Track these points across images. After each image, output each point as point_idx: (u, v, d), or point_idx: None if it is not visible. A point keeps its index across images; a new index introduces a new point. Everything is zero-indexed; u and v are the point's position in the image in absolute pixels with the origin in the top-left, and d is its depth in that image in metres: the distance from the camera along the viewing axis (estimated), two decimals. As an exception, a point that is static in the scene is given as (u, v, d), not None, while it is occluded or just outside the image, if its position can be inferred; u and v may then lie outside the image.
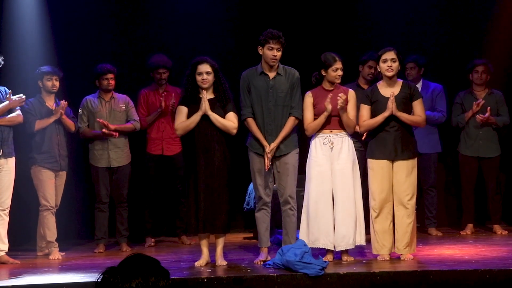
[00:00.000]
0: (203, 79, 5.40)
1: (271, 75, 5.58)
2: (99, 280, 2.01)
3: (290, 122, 5.53)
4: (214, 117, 5.40)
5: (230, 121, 5.44)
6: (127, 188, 6.73)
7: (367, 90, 5.77)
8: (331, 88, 5.51)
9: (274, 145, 5.48)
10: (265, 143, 5.51)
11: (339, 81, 5.51)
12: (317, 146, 5.50)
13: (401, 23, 7.68)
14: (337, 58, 5.49)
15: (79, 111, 6.66)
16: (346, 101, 5.44)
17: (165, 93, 6.95)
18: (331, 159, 5.47)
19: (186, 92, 5.49)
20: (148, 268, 2.00)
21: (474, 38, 7.69)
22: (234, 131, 5.49)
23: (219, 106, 5.46)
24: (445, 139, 7.21)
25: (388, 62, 5.42)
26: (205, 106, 5.38)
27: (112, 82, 6.64)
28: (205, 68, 5.41)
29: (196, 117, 5.39)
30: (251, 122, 5.57)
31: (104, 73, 6.61)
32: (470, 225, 7.06)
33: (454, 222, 7.54)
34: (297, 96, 5.57)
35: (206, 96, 5.39)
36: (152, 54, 7.03)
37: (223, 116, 5.44)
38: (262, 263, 5.40)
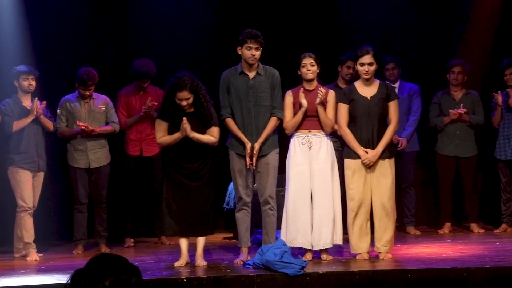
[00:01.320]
0: (183, 106, 5.33)
1: (251, 74, 5.58)
2: (68, 283, 2.00)
3: (272, 122, 5.55)
4: (195, 137, 5.37)
5: (210, 137, 5.42)
6: (106, 188, 6.69)
7: (345, 89, 5.81)
8: (311, 88, 5.53)
9: (257, 145, 5.49)
10: (246, 140, 5.51)
11: (310, 77, 5.51)
12: (296, 146, 5.52)
13: (379, 23, 7.73)
14: (306, 55, 5.53)
15: (58, 111, 6.60)
16: (325, 96, 5.47)
17: (145, 94, 6.90)
18: (310, 159, 5.49)
19: (165, 108, 5.43)
20: (117, 266, 1.99)
21: (451, 39, 7.75)
22: (215, 144, 5.48)
23: (199, 123, 5.39)
24: (422, 138, 7.28)
25: (365, 67, 5.47)
26: (186, 131, 5.33)
27: (89, 92, 6.55)
28: (184, 95, 5.30)
29: (178, 138, 5.38)
30: (230, 122, 5.58)
31: (84, 85, 6.47)
32: (448, 224, 7.13)
33: (432, 221, 7.61)
34: (278, 97, 5.58)
35: (187, 123, 5.31)
36: (137, 59, 6.89)
37: (203, 130, 5.40)
38: (242, 263, 5.41)
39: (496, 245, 6.03)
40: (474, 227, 7.07)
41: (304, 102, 5.44)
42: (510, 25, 7.60)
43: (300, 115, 5.47)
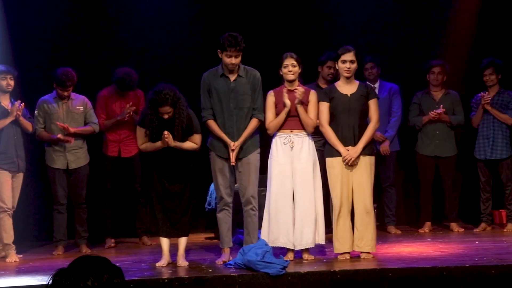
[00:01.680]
0: (164, 117, 5.34)
1: (232, 77, 5.56)
2: (49, 283, 1.98)
3: (253, 123, 5.55)
4: (177, 146, 5.39)
5: (192, 144, 5.45)
6: (85, 189, 6.65)
7: (325, 88, 5.84)
8: (293, 88, 5.54)
9: (238, 143, 5.50)
10: (228, 140, 5.51)
11: (291, 77, 5.52)
12: (277, 146, 5.53)
13: (360, 23, 7.76)
14: (288, 55, 5.54)
15: (35, 112, 6.53)
16: (306, 96, 5.50)
17: (125, 97, 6.85)
18: (292, 159, 5.51)
19: (145, 118, 5.40)
20: (99, 266, 1.98)
21: (430, 39, 7.81)
22: (197, 150, 5.51)
23: (179, 130, 5.38)
24: (402, 138, 7.32)
25: (347, 64, 5.49)
26: (168, 143, 5.33)
27: (67, 93, 6.49)
28: (165, 110, 5.30)
29: (159, 147, 5.39)
30: (211, 123, 5.57)
31: (62, 86, 6.42)
32: (428, 223, 7.18)
33: (412, 220, 7.66)
34: (259, 98, 5.59)
35: (169, 137, 5.31)
36: (120, 67, 6.81)
37: (183, 137, 5.41)
38: (223, 263, 5.41)
39: (475, 244, 6.09)
40: (454, 226, 7.13)
41: (287, 102, 5.44)
42: (489, 25, 7.67)
43: (283, 115, 5.48)
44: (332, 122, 5.54)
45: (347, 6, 7.73)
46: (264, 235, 5.50)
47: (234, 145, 5.49)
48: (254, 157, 5.59)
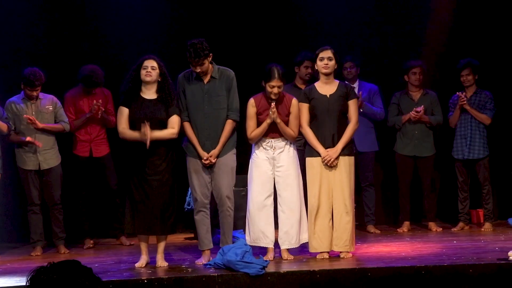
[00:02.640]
0: (147, 72, 5.38)
1: (206, 79, 5.52)
2: (30, 279, 1.97)
3: (228, 126, 5.51)
4: (156, 137, 5.34)
5: (170, 130, 5.39)
6: (59, 189, 6.56)
7: (305, 89, 5.84)
8: (274, 98, 5.52)
9: (216, 152, 5.48)
10: (201, 152, 5.48)
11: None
12: (259, 147, 5.55)
13: (337, 23, 7.79)
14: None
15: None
16: (285, 106, 5.53)
17: (93, 95, 6.79)
18: (273, 161, 5.52)
19: (127, 90, 5.43)
20: (70, 269, 1.97)
21: (407, 39, 7.86)
22: (174, 136, 5.45)
23: (161, 107, 5.40)
24: (381, 138, 7.36)
25: (325, 60, 5.51)
26: (147, 137, 5.29)
27: (36, 93, 6.42)
28: (150, 63, 5.40)
29: (137, 139, 5.35)
30: (187, 126, 5.54)
31: (30, 86, 6.34)
32: (407, 223, 7.23)
33: (391, 220, 7.70)
34: (234, 98, 5.54)
35: (148, 130, 5.28)
36: (85, 65, 6.74)
37: (166, 117, 5.40)
38: (201, 264, 5.40)
39: (453, 243, 6.14)
40: (432, 225, 7.19)
41: (271, 117, 5.43)
42: (466, 25, 7.73)
43: (265, 126, 5.48)
44: (312, 122, 5.55)
45: (325, 6, 7.75)
46: (246, 235, 5.50)
47: (213, 158, 5.46)
48: (229, 158, 5.55)
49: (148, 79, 5.39)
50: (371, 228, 7.18)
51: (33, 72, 6.33)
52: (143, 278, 4.84)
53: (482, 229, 7.01)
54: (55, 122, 6.54)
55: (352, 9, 7.83)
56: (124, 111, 5.41)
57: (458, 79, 7.08)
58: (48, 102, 6.54)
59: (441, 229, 7.15)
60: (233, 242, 5.53)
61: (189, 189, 6.93)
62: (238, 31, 7.61)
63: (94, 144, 6.80)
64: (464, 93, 6.98)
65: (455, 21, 7.76)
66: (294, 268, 5.05)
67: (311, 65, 6.56)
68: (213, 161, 5.47)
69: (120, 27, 7.54)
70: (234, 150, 5.61)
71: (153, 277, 4.85)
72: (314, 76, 6.40)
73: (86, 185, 6.86)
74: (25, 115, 6.35)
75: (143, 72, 5.40)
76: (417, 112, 7.01)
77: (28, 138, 6.35)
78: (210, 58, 5.44)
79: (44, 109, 6.49)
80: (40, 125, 6.38)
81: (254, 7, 7.75)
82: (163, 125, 5.40)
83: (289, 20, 7.80)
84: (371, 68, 7.66)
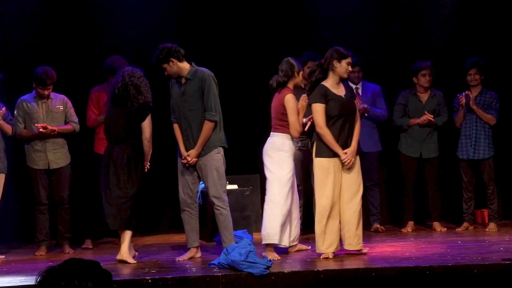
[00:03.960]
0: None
1: (183, 80, 5.63)
2: (38, 280, 1.96)
3: (206, 126, 5.56)
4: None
5: (144, 142, 5.60)
6: (68, 189, 6.58)
7: (319, 90, 5.68)
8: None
9: (193, 152, 5.57)
10: (183, 152, 5.62)
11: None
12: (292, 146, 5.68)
13: (342, 23, 7.79)
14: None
15: (15, 112, 6.46)
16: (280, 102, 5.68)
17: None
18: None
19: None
20: (89, 270, 1.97)
21: (413, 37, 7.85)
22: (148, 142, 5.63)
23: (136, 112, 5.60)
24: (384, 138, 7.35)
25: (350, 66, 5.57)
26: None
27: (48, 92, 6.44)
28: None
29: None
30: (175, 128, 5.70)
31: (42, 85, 6.37)
32: (411, 223, 7.21)
33: (395, 220, 7.69)
34: (209, 98, 5.55)
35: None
36: (109, 56, 6.78)
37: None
38: (182, 261, 5.50)
39: (458, 243, 6.13)
40: (437, 225, 7.17)
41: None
42: (471, 24, 7.72)
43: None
44: (327, 124, 5.47)
45: (331, 5, 7.75)
46: (283, 236, 5.57)
47: (191, 158, 5.56)
48: (211, 158, 5.59)
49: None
50: (377, 227, 7.17)
51: (45, 71, 6.35)
52: (147, 277, 4.85)
53: (487, 229, 7.00)
54: (65, 122, 6.56)
55: (356, 8, 7.81)
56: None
57: (464, 78, 7.06)
58: (59, 102, 6.55)
59: (446, 229, 7.13)
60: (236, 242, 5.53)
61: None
62: (242, 30, 7.61)
63: None
64: (465, 93, 6.94)
65: (460, 20, 7.74)
66: (298, 268, 5.05)
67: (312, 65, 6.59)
68: (190, 160, 5.55)
69: (124, 23, 7.56)
70: (218, 150, 5.63)
71: (157, 277, 4.86)
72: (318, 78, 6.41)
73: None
74: (36, 124, 6.36)
75: None
76: (430, 120, 7.00)
77: (40, 129, 6.31)
78: (172, 63, 5.55)
79: (54, 109, 6.51)
80: (53, 128, 6.38)
81: (258, 6, 7.75)
82: None
83: (293, 19, 7.79)
84: (373, 68, 7.64)
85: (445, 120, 7.18)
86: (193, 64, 5.63)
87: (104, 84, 6.85)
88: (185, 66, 5.59)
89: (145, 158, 5.61)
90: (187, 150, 5.58)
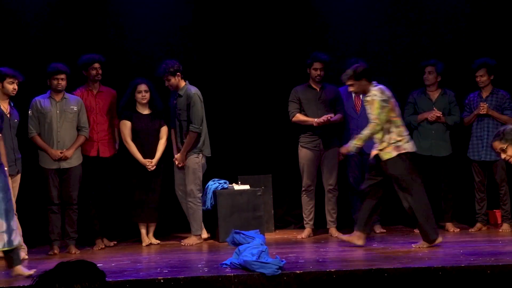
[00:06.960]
0: (142, 96, 6.73)
1: (176, 95, 6.71)
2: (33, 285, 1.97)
3: (189, 136, 6.65)
4: (157, 158, 6.77)
5: (160, 145, 6.79)
6: (77, 190, 6.58)
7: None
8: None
9: (179, 156, 6.71)
10: (175, 155, 6.80)
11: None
12: None
13: (355, 25, 7.77)
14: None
15: (29, 112, 6.48)
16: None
17: (99, 93, 6.83)
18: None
19: (126, 107, 6.78)
20: (80, 272, 1.97)
21: (424, 38, 7.82)
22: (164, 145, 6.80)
23: (154, 120, 6.80)
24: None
25: None
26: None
27: (63, 82, 6.46)
28: (143, 87, 6.74)
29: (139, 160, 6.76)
30: (171, 133, 6.88)
31: (55, 72, 6.43)
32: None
33: (407, 221, 7.65)
34: (193, 112, 6.61)
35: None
36: (82, 54, 6.83)
37: (159, 128, 6.82)
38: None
39: (471, 244, 6.10)
40: (449, 226, 7.14)
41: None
42: (482, 23, 7.68)
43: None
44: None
45: (343, 9, 7.74)
46: None
47: (176, 160, 6.74)
48: (190, 161, 6.68)
49: (144, 102, 6.75)
50: (377, 229, 7.17)
51: (57, 63, 6.47)
52: (159, 277, 4.85)
53: (500, 230, 6.96)
54: (77, 128, 6.58)
55: (369, 9, 7.79)
56: (128, 124, 6.73)
57: (474, 78, 7.03)
58: (74, 102, 6.57)
59: (458, 230, 7.10)
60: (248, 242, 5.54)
61: (205, 188, 7.02)
62: (252, 32, 7.61)
63: (101, 144, 6.78)
64: (483, 104, 6.89)
65: (471, 18, 7.71)
66: (310, 268, 5.04)
67: (320, 66, 6.61)
68: (177, 163, 6.72)
69: (138, 24, 7.59)
70: (196, 154, 6.67)
71: (169, 277, 4.86)
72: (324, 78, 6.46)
73: (95, 184, 6.82)
74: (53, 151, 6.42)
75: (138, 95, 6.73)
76: (438, 117, 6.97)
77: (54, 153, 6.43)
78: (176, 77, 6.60)
79: (68, 109, 6.52)
80: (68, 153, 6.45)
81: (267, 8, 7.75)
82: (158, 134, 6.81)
83: (307, 23, 7.77)
84: (381, 68, 7.62)
85: (456, 120, 7.13)
86: (187, 82, 6.66)
87: (85, 84, 6.84)
88: (182, 83, 6.66)
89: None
90: (179, 151, 6.72)
